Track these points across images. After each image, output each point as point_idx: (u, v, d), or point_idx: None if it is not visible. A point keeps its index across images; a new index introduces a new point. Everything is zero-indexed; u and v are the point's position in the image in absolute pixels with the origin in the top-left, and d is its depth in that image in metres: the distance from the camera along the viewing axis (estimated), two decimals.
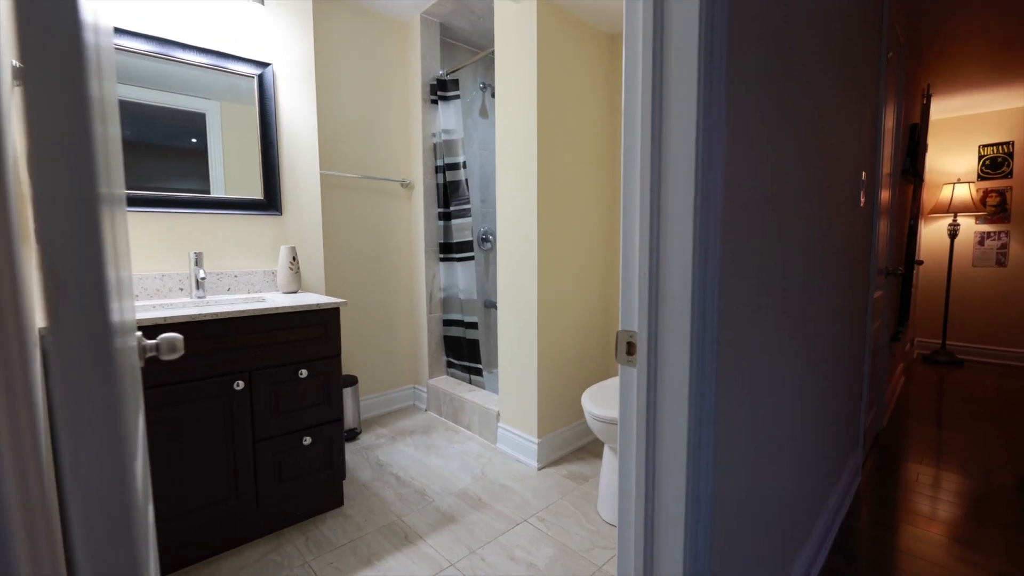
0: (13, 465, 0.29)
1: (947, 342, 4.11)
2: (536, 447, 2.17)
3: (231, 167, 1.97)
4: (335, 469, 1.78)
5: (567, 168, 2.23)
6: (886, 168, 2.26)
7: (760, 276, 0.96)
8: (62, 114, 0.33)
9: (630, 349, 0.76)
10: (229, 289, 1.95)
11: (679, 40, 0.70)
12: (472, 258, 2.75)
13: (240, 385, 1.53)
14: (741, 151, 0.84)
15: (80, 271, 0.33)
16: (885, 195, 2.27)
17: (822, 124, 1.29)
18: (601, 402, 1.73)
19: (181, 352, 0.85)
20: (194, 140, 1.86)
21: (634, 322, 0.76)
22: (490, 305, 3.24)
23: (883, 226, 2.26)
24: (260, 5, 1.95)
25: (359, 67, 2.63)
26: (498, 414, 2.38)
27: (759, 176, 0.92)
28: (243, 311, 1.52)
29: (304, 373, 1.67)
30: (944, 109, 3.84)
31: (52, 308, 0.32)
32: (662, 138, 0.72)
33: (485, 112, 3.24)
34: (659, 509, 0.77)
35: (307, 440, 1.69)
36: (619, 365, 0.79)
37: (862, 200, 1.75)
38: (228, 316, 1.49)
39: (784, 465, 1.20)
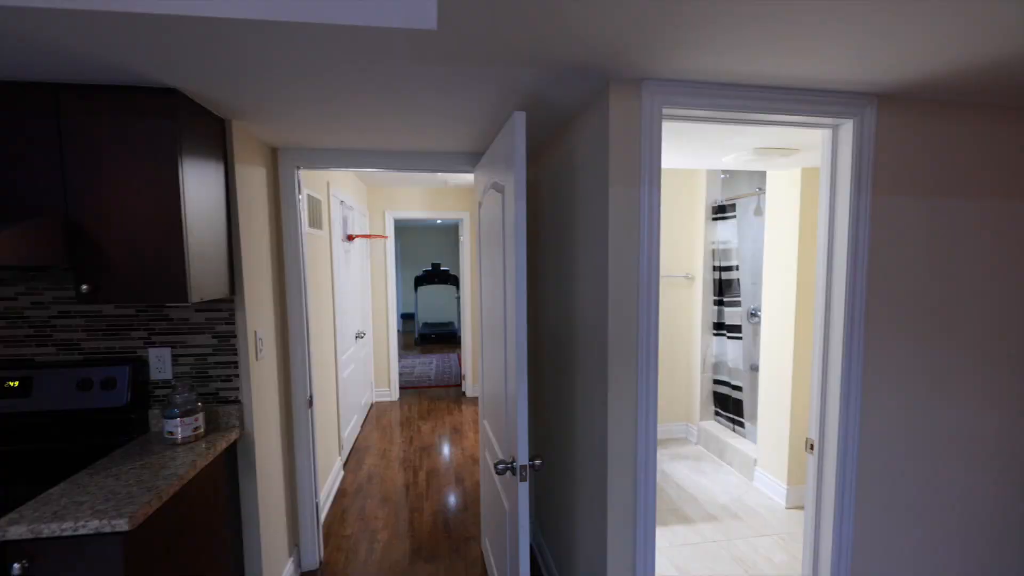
0: None
1: None
2: (786, 491, 2.91)
3: None
4: None
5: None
6: None
7: None
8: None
9: (810, 447, 1.69)
10: None
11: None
12: (740, 337, 3.62)
13: None
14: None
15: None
16: None
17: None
18: None
19: None
20: None
21: (814, 431, 1.68)
22: (755, 368, 3.98)
23: None
24: None
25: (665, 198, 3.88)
26: (755, 460, 3.19)
27: None
28: None
29: None
30: None
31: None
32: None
33: (759, 211, 4.02)
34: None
35: None
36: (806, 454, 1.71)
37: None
38: None
39: None
